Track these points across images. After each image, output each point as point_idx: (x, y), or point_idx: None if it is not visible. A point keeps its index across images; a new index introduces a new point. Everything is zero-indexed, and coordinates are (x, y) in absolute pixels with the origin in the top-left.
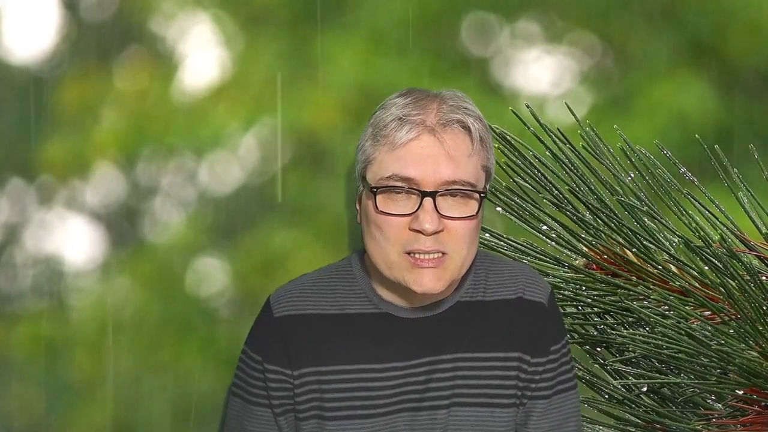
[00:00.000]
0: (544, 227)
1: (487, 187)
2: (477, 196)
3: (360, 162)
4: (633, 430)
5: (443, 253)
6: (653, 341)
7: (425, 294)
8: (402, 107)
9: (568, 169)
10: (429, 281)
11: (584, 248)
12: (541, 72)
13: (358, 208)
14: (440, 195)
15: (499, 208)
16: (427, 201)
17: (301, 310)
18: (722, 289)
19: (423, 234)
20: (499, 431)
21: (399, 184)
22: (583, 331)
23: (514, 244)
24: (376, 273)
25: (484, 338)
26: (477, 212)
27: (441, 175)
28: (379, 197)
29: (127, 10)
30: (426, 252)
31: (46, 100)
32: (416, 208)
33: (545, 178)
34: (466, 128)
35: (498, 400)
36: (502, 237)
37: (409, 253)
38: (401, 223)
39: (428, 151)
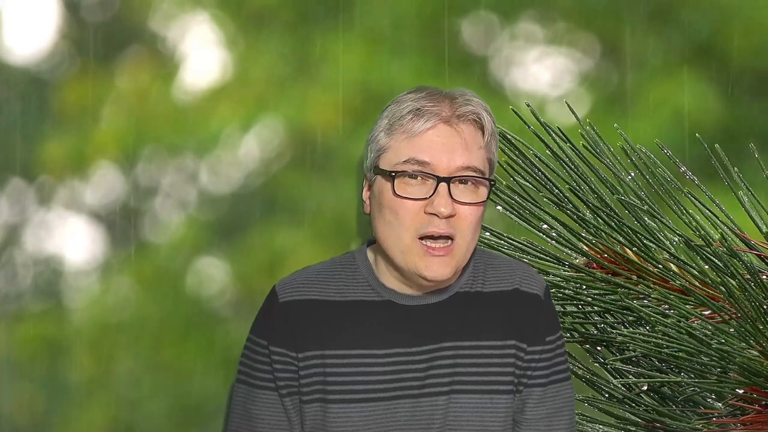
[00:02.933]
0: (545, 226)
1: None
2: (487, 183)
3: (372, 152)
4: (633, 429)
5: (452, 239)
6: (653, 340)
7: (435, 280)
8: (416, 100)
9: (568, 168)
10: (438, 268)
11: (584, 247)
12: (541, 72)
13: (365, 199)
14: (453, 181)
15: (499, 207)
16: (443, 186)
17: (306, 296)
18: (722, 288)
19: (438, 217)
20: (498, 417)
21: (415, 168)
22: (584, 330)
23: (514, 242)
24: (384, 261)
25: (482, 327)
26: (486, 198)
27: (456, 161)
28: (397, 181)
29: (127, 10)
30: (438, 236)
31: (47, 100)
32: (431, 192)
33: (546, 177)
34: (480, 121)
35: (496, 386)
36: (503, 236)
37: (422, 239)
38: (416, 207)
39: (444, 140)
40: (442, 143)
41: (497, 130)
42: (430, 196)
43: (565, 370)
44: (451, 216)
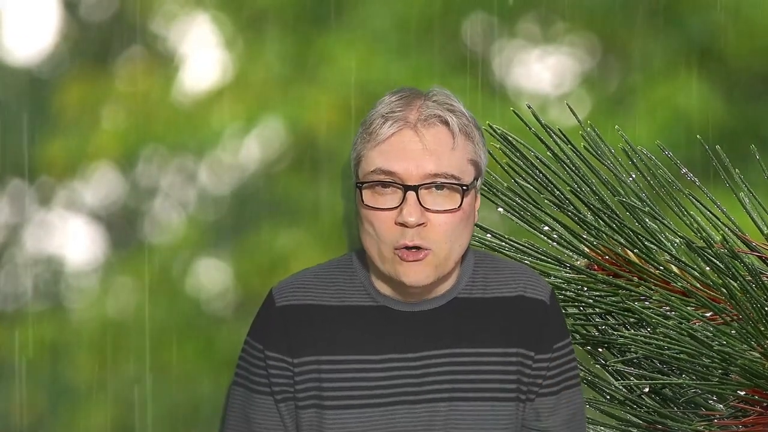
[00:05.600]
0: (546, 228)
1: (479, 182)
2: (460, 189)
3: (353, 160)
4: (634, 430)
5: (425, 249)
6: (655, 342)
7: (414, 286)
8: (388, 105)
9: (569, 170)
10: (415, 273)
11: (586, 249)
12: (542, 73)
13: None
14: (424, 188)
15: (500, 209)
16: (410, 194)
17: (302, 301)
18: (724, 290)
19: (407, 227)
20: (499, 425)
21: (383, 178)
22: (585, 332)
23: (515, 244)
24: (373, 267)
25: (483, 334)
26: (460, 205)
27: (424, 169)
28: (365, 192)
29: (127, 10)
30: (410, 247)
31: (47, 101)
32: (400, 201)
33: (546, 178)
34: (445, 123)
35: (498, 394)
36: (504, 237)
37: (398, 249)
38: (388, 217)
39: (410, 146)
40: (407, 149)
41: (495, 133)
42: (398, 206)
43: (576, 375)
44: (421, 225)
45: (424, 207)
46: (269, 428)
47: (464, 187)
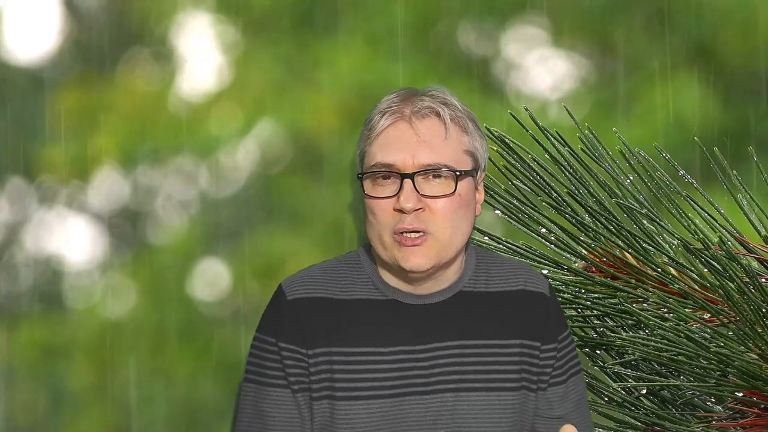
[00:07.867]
0: (543, 230)
1: (479, 174)
2: (453, 175)
3: (357, 157)
4: None
5: (425, 233)
6: (652, 344)
7: (414, 271)
8: (386, 102)
9: (567, 172)
10: (414, 258)
11: (583, 251)
12: (541, 75)
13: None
14: (420, 176)
15: (498, 211)
16: (407, 182)
17: (313, 294)
18: (721, 292)
19: (404, 212)
20: (505, 414)
21: (380, 169)
22: (583, 334)
23: (513, 247)
24: (379, 258)
25: (487, 326)
26: (454, 190)
27: (419, 159)
28: (366, 182)
29: (128, 13)
30: (409, 231)
31: (48, 102)
32: (398, 189)
33: (544, 180)
34: (437, 114)
35: (503, 384)
36: (501, 240)
37: (397, 234)
38: (387, 205)
39: (404, 138)
40: (402, 141)
41: (493, 135)
42: (396, 194)
43: (578, 363)
44: (418, 209)
45: (421, 194)
46: (283, 420)
47: (457, 173)
